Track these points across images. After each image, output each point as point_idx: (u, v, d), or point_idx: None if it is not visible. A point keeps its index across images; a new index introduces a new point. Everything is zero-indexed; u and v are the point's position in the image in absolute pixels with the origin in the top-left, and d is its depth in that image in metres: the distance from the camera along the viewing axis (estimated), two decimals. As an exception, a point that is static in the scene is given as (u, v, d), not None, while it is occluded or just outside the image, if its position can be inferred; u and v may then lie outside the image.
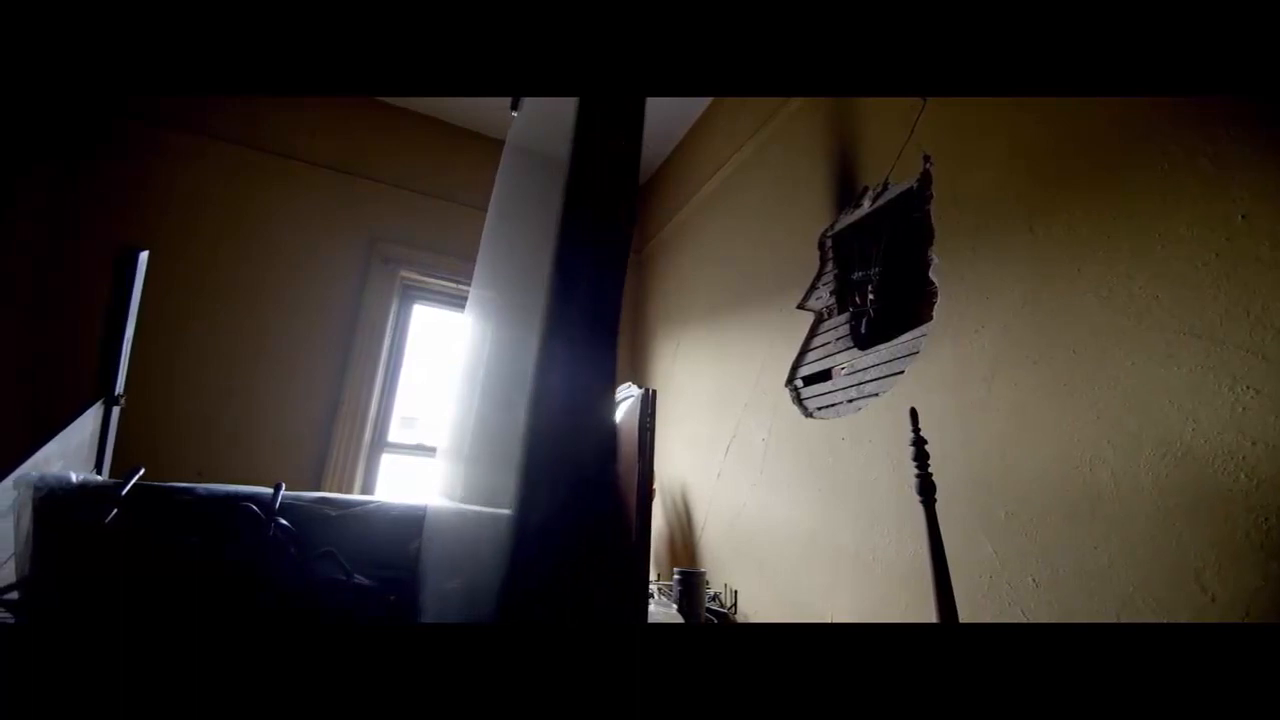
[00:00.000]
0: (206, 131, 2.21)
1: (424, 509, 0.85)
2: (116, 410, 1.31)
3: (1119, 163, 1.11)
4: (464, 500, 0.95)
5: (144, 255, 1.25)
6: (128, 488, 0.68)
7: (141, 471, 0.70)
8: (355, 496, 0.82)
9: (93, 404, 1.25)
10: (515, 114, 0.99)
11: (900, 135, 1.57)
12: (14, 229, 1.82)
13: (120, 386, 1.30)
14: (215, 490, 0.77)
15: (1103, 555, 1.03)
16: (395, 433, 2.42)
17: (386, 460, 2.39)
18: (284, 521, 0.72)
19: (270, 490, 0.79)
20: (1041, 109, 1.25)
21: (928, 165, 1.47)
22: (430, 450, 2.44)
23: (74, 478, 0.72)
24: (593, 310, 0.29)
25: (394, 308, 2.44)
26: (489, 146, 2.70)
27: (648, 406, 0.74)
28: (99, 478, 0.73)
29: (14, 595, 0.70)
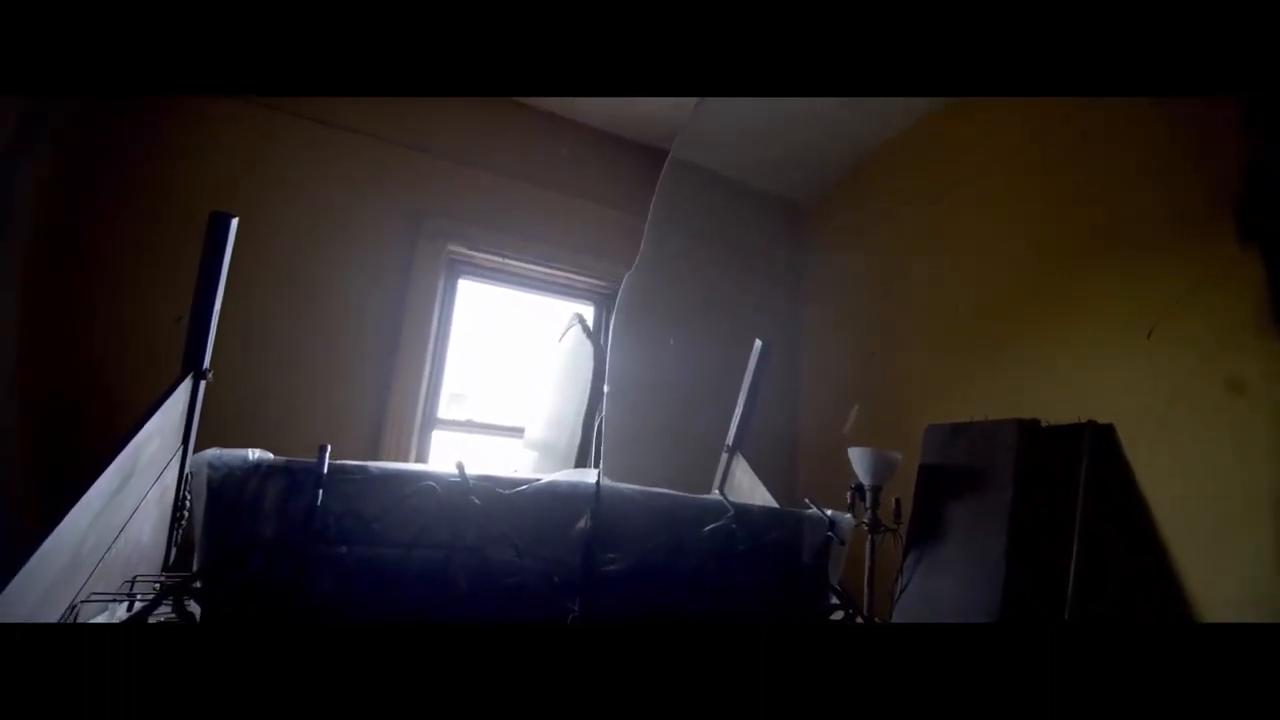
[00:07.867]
0: (248, 99, 2.10)
1: (589, 488, 0.82)
2: (203, 385, 1.25)
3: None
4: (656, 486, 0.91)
5: (234, 222, 1.18)
6: (324, 467, 0.63)
7: (329, 449, 0.66)
8: (523, 475, 0.78)
9: (183, 378, 1.19)
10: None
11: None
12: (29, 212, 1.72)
13: (207, 360, 1.24)
14: (387, 469, 0.73)
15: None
16: (444, 409, 2.38)
17: (436, 437, 2.35)
18: (477, 500, 0.68)
19: (445, 470, 0.75)
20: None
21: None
22: (482, 427, 2.40)
23: (250, 456, 0.67)
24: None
25: (441, 282, 2.38)
26: (539, 119, 2.62)
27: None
28: (270, 456, 0.69)
29: (198, 585, 0.65)
